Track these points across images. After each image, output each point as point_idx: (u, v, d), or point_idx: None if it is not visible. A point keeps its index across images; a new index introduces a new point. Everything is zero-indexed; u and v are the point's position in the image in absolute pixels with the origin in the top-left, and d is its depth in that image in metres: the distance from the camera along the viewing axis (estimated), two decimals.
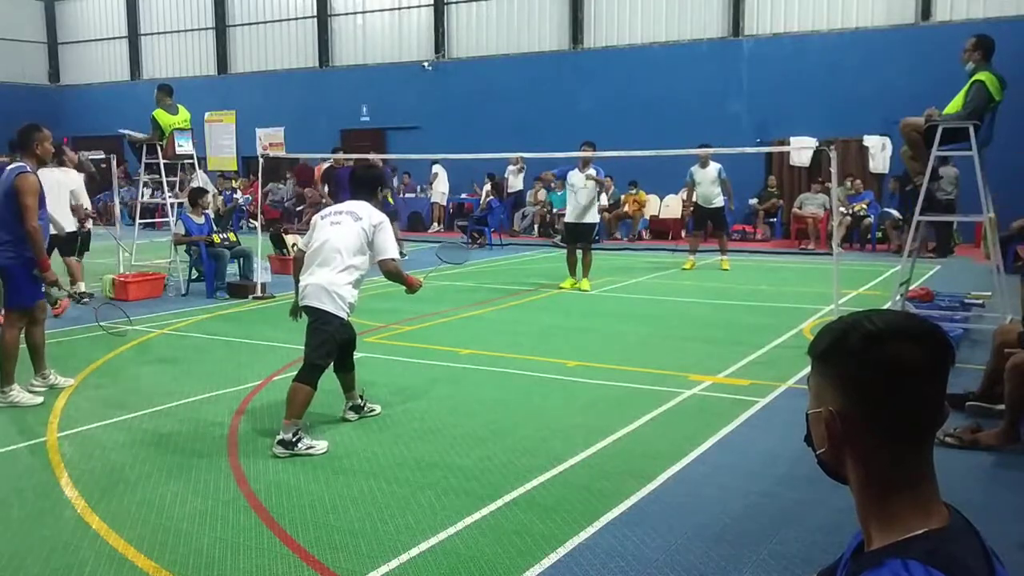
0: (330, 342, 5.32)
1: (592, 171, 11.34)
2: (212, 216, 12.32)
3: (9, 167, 6.28)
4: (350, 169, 14.85)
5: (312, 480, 4.69)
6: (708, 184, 13.54)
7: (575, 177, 11.40)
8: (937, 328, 1.30)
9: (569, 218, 11.63)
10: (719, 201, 13.66)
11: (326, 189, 15.23)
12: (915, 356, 1.25)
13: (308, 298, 5.31)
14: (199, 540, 3.93)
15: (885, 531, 1.26)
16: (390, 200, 15.01)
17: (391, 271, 5.43)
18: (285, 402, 5.24)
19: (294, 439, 5.06)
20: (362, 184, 5.72)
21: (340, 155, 15.69)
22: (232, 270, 12.02)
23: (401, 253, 6.37)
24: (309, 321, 5.36)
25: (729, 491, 4.53)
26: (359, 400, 5.92)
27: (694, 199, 13.98)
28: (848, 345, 1.29)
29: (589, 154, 11.33)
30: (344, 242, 5.29)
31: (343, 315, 5.33)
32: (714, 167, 13.49)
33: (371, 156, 15.29)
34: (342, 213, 5.45)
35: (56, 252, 10.27)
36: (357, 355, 7.80)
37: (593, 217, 11.51)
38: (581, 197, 11.35)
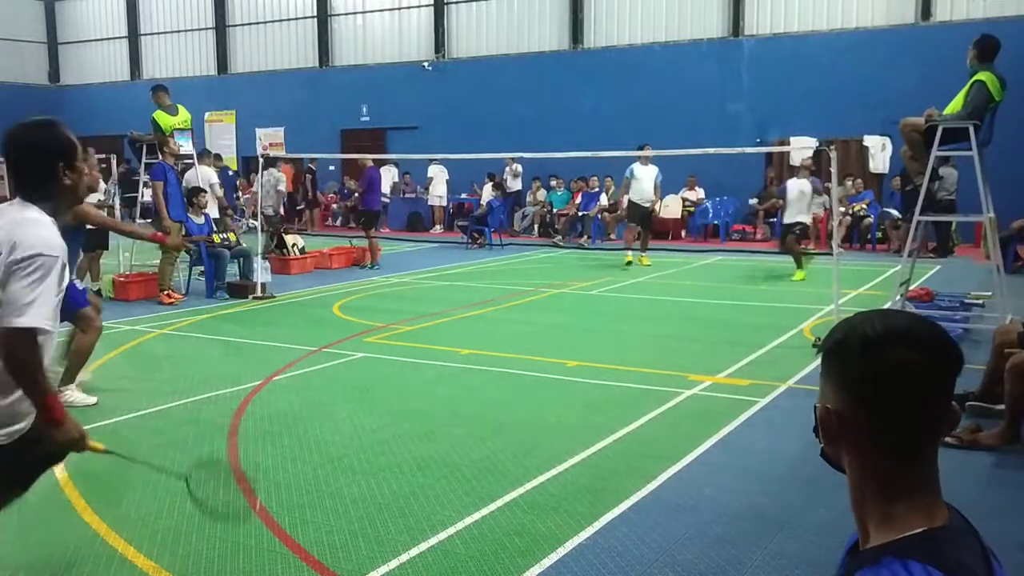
0: None
1: (809, 183, 12.90)
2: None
3: None
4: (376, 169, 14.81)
5: (312, 480, 4.69)
6: (648, 181, 14.01)
7: (792, 185, 13.03)
8: (943, 333, 1.27)
9: (787, 219, 13.03)
10: (654, 203, 14.31)
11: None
12: (915, 362, 1.23)
13: None
14: (199, 540, 3.93)
15: (882, 529, 1.26)
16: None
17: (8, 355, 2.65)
18: None
19: None
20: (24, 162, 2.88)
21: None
22: (232, 270, 12.03)
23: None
24: None
25: (729, 491, 4.53)
26: None
27: (628, 197, 14.30)
28: (848, 348, 1.28)
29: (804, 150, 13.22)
30: None
31: None
32: (654, 167, 14.00)
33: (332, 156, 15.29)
34: None
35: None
36: (357, 354, 7.87)
37: (804, 216, 13.03)
38: (795, 200, 12.83)
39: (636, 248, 14.23)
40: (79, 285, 6.57)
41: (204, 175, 12.73)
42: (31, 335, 2.58)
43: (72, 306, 5.90)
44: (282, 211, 16.39)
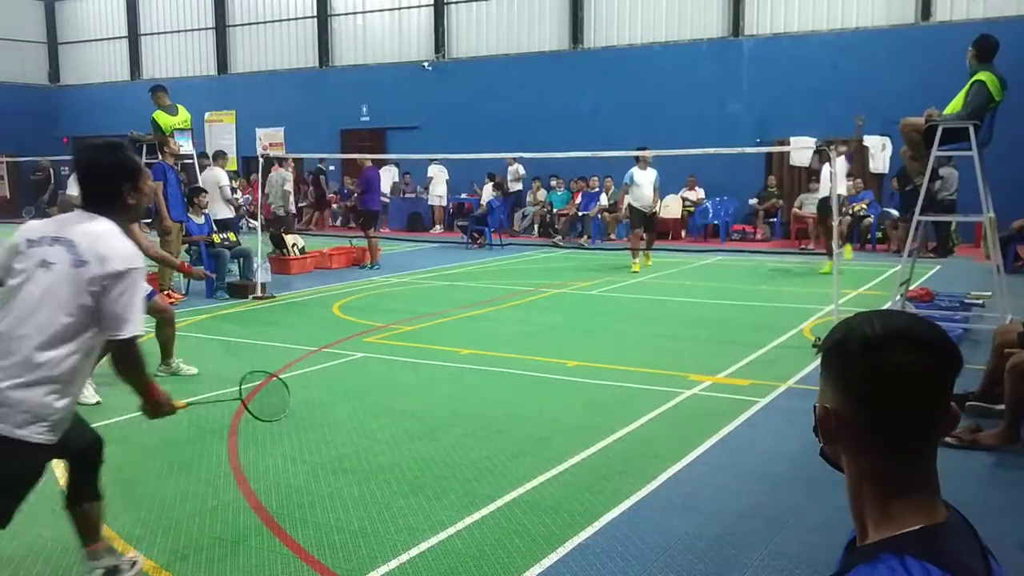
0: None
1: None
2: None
3: None
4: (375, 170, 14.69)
5: (312, 480, 4.69)
6: (647, 186, 13.80)
7: (825, 168, 12.97)
8: (942, 333, 1.27)
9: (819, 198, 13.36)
10: (654, 207, 14.13)
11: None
12: (914, 363, 1.23)
13: None
14: (199, 540, 3.94)
15: (880, 527, 1.26)
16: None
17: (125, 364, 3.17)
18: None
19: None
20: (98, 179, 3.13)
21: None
22: (232, 269, 12.04)
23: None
24: None
25: (728, 491, 4.53)
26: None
27: (629, 202, 14.11)
28: (848, 348, 1.28)
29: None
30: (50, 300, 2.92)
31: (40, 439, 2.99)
32: (652, 171, 13.82)
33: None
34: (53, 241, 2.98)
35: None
36: (357, 354, 7.87)
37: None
38: (826, 180, 12.93)
39: (642, 248, 14.15)
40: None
41: (214, 177, 12.83)
42: (135, 342, 3.05)
43: None
44: (292, 209, 16.41)
